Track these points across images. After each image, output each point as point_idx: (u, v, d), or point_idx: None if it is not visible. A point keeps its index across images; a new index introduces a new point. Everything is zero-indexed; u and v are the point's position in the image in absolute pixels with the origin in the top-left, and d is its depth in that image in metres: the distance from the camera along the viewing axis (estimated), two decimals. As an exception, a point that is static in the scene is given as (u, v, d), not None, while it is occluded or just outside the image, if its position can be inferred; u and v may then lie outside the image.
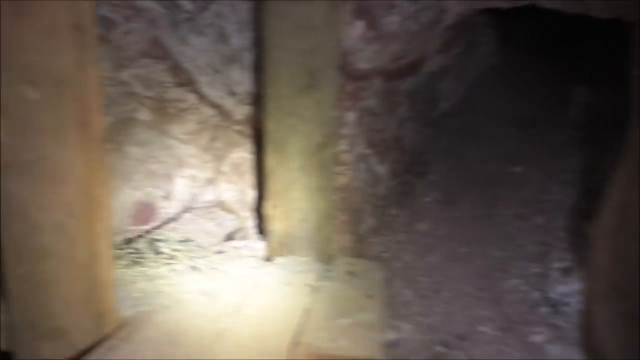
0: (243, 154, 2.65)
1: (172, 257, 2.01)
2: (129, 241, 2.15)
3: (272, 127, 2.07)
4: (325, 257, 2.11)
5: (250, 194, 2.58)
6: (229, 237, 2.36)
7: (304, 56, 1.95)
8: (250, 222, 2.51)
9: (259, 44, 2.40)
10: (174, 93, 2.61)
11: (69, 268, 1.46)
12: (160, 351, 1.38)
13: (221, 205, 2.64)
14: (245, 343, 1.46)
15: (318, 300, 1.74)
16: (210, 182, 2.67)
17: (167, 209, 2.69)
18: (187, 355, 1.38)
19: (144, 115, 2.62)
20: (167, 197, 2.70)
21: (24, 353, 1.55)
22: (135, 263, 1.92)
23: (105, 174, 1.48)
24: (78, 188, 1.41)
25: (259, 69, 2.43)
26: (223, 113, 2.63)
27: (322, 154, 2.09)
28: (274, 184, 2.12)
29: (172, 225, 2.40)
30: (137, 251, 2.03)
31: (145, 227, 2.56)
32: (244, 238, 2.37)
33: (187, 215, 2.55)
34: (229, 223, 2.49)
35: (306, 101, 1.99)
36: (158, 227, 2.43)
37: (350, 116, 2.58)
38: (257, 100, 2.50)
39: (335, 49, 2.04)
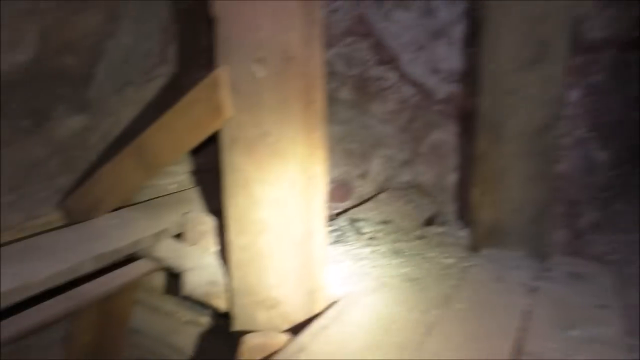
0: (443, 136, 2.49)
1: (373, 238, 1.97)
2: (330, 219, 2.17)
3: (486, 106, 1.88)
4: (540, 254, 1.87)
5: (450, 178, 2.42)
6: (428, 222, 2.24)
7: (531, 25, 1.71)
8: (449, 208, 2.36)
9: (470, 16, 2.20)
10: (375, 71, 2.56)
11: (285, 242, 1.49)
12: (371, 336, 1.33)
13: (418, 187, 2.54)
14: (457, 341, 1.33)
15: (539, 304, 1.53)
16: (406, 163, 2.58)
17: (363, 188, 2.69)
18: (397, 345, 1.31)
19: (345, 94, 2.63)
20: (363, 176, 2.70)
21: (241, 316, 1.66)
22: (339, 241, 1.92)
23: (324, 152, 1.47)
24: (298, 165, 1.42)
25: (469, 44, 2.24)
26: (424, 92, 2.49)
27: (542, 137, 1.83)
28: (484, 169, 1.93)
29: (368, 205, 2.37)
30: (339, 229, 2.03)
31: (342, 205, 2.59)
32: (444, 224, 2.23)
33: (382, 195, 2.50)
34: (427, 207, 2.37)
35: (531, 77, 1.75)
36: (354, 207, 2.43)
37: (574, 94, 2.23)
38: (464, 77, 2.31)
39: (567, 16, 1.75)
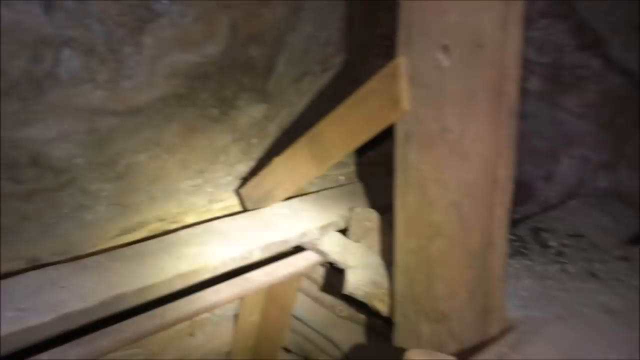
0: (659, 135, 2.06)
1: (561, 254, 1.69)
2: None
3: None
4: None
5: (666, 188, 1.99)
6: (634, 240, 1.86)
7: None
8: (663, 225, 1.94)
9: None
10: (573, 58, 2.22)
11: (459, 252, 1.34)
12: (559, 377, 1.12)
13: (619, 196, 2.14)
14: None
15: None
16: (606, 166, 2.20)
17: (547, 192, 2.38)
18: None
19: (533, 84, 2.33)
20: (548, 178, 2.38)
21: (402, 324, 1.56)
22: (518, 253, 1.69)
23: (512, 154, 1.27)
24: (480, 166, 1.25)
25: None
26: (636, 81, 2.08)
27: None
28: None
29: (555, 213, 2.06)
30: (519, 239, 1.79)
31: (521, 210, 2.31)
32: (655, 245, 1.84)
33: (572, 203, 2.16)
34: (631, 221, 1.98)
35: None
36: (537, 214, 2.14)
37: None
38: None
39: None
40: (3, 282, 1.35)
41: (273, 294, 2.09)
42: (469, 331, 1.36)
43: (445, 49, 1.22)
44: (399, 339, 1.56)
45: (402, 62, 1.30)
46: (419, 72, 1.29)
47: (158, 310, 1.49)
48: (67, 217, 1.56)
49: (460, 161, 1.28)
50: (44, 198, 1.49)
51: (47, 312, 1.23)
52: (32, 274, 1.40)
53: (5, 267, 1.46)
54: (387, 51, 2.29)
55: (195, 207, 1.88)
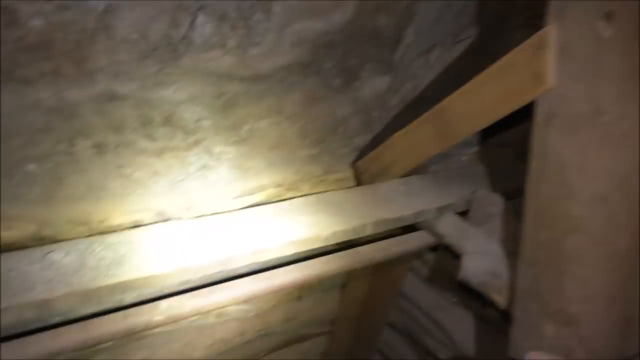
0: None
1: None
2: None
3: None
4: None
5: None
6: None
7: None
8: None
9: None
10: None
11: (600, 251, 1.18)
12: None
13: None
14: None
15: None
16: None
17: None
18: None
19: None
20: None
21: (522, 322, 1.43)
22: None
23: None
24: (638, 155, 1.08)
25: None
26: None
27: None
28: None
29: None
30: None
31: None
32: None
33: None
34: None
35: None
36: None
37: None
38: None
39: None
40: (131, 231, 1.46)
41: (382, 270, 2.05)
42: (603, 341, 1.21)
43: (609, 16, 1.05)
44: (516, 336, 1.44)
45: (551, 31, 1.15)
46: (572, 44, 1.13)
47: (269, 274, 1.52)
48: (193, 176, 1.63)
49: (613, 149, 1.11)
50: (173, 156, 1.57)
51: (169, 263, 1.31)
52: (158, 226, 1.49)
53: (137, 217, 1.58)
54: (527, 22, 2.07)
55: (311, 176, 1.87)
